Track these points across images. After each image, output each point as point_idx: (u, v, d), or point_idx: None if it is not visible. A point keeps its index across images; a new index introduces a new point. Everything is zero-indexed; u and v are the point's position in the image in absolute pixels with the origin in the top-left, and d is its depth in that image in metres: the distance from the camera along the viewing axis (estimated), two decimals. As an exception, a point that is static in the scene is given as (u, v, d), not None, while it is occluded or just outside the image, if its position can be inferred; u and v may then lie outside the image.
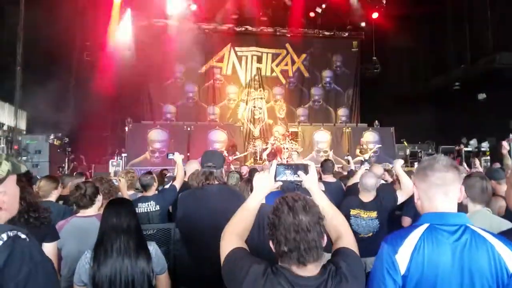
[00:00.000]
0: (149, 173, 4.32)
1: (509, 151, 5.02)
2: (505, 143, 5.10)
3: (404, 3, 13.28)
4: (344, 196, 4.55)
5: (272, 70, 16.44)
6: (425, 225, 1.57)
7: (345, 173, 7.24)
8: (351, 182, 5.03)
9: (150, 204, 3.97)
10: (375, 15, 15.28)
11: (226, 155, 11.05)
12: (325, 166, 5.24)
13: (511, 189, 2.13)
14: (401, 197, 3.82)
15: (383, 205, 3.83)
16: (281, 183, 1.81)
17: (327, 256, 1.53)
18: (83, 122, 10.15)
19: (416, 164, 11.08)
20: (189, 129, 12.75)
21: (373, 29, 15.54)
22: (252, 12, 14.64)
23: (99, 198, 3.05)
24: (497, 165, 6.25)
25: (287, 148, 12.12)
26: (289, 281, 1.35)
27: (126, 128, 12.55)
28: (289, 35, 15.90)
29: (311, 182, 1.72)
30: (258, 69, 16.23)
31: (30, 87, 9.32)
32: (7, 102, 9.79)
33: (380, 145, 12.61)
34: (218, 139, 13.28)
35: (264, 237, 1.52)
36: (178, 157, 4.31)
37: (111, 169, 10.52)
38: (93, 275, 2.25)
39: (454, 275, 1.48)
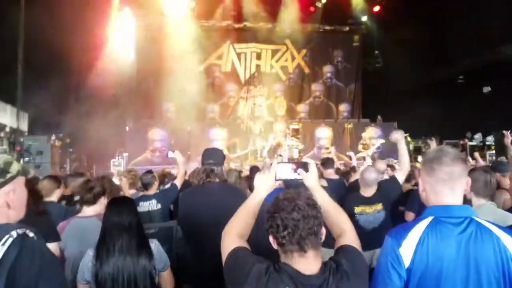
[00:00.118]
0: (150, 172, 4.32)
1: None
2: (507, 133, 5.10)
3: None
4: (347, 192, 4.54)
5: (272, 67, 16.37)
6: (430, 218, 1.56)
7: (347, 169, 7.21)
8: (353, 178, 5.04)
9: (152, 203, 3.98)
10: (376, 8, 15.17)
11: (227, 153, 11.03)
12: (326, 163, 5.23)
13: None
14: (400, 177, 3.79)
15: (387, 196, 3.84)
16: (281, 182, 1.79)
17: (330, 252, 1.54)
18: (84, 122, 10.15)
19: (419, 158, 11.04)
20: (189, 127, 12.73)
21: (374, 23, 15.44)
22: (251, 7, 14.56)
23: (103, 200, 3.02)
24: (503, 159, 6.22)
25: (287, 146, 12.08)
26: (291, 278, 1.35)
27: (127, 128, 12.54)
28: (288, 31, 15.81)
29: (312, 180, 1.73)
30: (258, 65, 16.15)
31: (31, 88, 9.33)
32: (9, 103, 9.81)
33: (384, 141, 12.54)
34: (218, 137, 13.26)
35: (263, 236, 1.50)
36: (178, 155, 4.31)
37: (113, 169, 10.53)
38: (96, 273, 2.26)
39: (459, 268, 1.47)
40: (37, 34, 8.81)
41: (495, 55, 11.02)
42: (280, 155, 10.71)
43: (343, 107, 16.84)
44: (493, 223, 1.55)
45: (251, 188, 1.84)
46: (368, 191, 3.93)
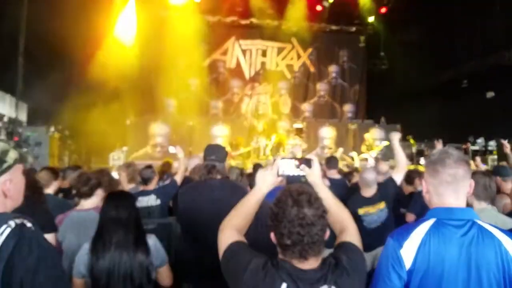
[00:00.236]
0: (150, 166, 4.29)
1: None
2: (505, 142, 5.16)
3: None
4: (348, 193, 4.56)
5: (277, 64, 16.31)
6: (432, 220, 1.57)
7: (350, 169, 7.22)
8: (356, 179, 5.05)
9: (151, 198, 3.99)
10: (383, 9, 15.11)
11: (230, 150, 10.96)
12: (330, 162, 5.20)
13: None
14: (398, 176, 3.82)
15: (386, 193, 3.87)
16: (284, 178, 1.76)
17: (328, 252, 1.52)
18: (84, 115, 10.11)
19: (422, 160, 10.99)
20: (191, 123, 12.66)
21: (381, 24, 15.37)
22: (258, 4, 14.48)
23: (99, 192, 3.02)
24: (505, 164, 6.20)
25: (291, 144, 12.02)
26: (289, 274, 1.35)
27: (128, 122, 12.49)
28: (295, 29, 15.71)
29: (315, 176, 1.73)
30: (263, 63, 16.09)
31: (31, 79, 9.31)
32: (8, 93, 9.77)
33: (388, 143, 12.46)
34: (221, 133, 13.20)
35: (261, 232, 1.47)
36: (179, 151, 4.29)
37: (112, 163, 10.49)
38: (92, 268, 2.25)
39: (461, 270, 1.47)
40: (39, 26, 8.79)
41: (499, 60, 10.97)
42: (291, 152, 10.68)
43: (347, 108, 16.80)
44: (495, 226, 1.56)
45: (252, 186, 1.79)
46: (368, 191, 3.96)
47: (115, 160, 10.74)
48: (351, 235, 1.59)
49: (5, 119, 9.43)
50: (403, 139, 13.66)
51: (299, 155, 11.32)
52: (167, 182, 4.31)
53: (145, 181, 4.11)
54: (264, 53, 16.17)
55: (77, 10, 10.02)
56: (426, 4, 12.85)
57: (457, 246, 1.48)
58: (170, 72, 12.99)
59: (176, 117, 13.40)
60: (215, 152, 2.85)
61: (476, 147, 11.86)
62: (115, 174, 4.70)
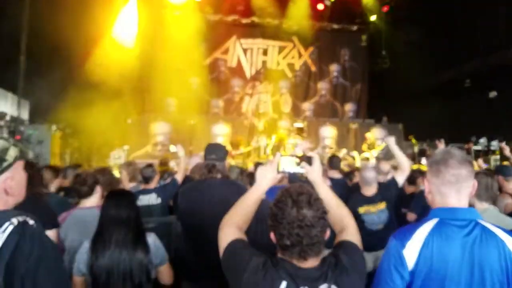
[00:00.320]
0: (151, 165, 4.30)
1: None
2: (504, 145, 5.18)
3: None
4: (349, 192, 4.53)
5: (278, 63, 16.27)
6: (435, 220, 1.56)
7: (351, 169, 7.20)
8: (356, 179, 5.06)
9: (151, 197, 4.00)
10: (384, 8, 15.06)
11: (230, 149, 10.95)
12: (332, 162, 5.18)
13: None
14: (400, 178, 3.83)
15: (387, 194, 3.86)
16: (283, 175, 1.76)
17: (328, 252, 1.53)
18: (86, 113, 10.12)
19: (423, 160, 10.96)
20: (192, 122, 12.66)
21: (382, 23, 15.33)
22: (259, 2, 14.45)
23: (98, 189, 3.03)
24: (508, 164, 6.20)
25: (291, 144, 11.99)
26: (289, 273, 1.35)
27: (129, 121, 12.49)
28: (296, 28, 15.68)
29: (315, 174, 1.73)
30: (264, 62, 16.07)
31: (33, 77, 9.31)
32: (10, 91, 9.78)
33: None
34: (222, 132, 13.19)
35: (262, 231, 1.45)
36: (180, 150, 4.30)
37: (113, 161, 10.50)
38: (91, 266, 2.26)
39: (464, 270, 1.47)
40: (41, 24, 8.79)
41: (502, 59, 10.93)
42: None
43: (349, 107, 16.74)
44: (499, 227, 1.55)
45: (252, 184, 1.78)
46: (369, 190, 3.95)
47: (116, 159, 10.74)
48: (351, 234, 1.59)
49: (7, 117, 9.44)
50: (405, 139, 13.65)
51: (299, 155, 11.30)
52: (168, 181, 4.32)
53: (146, 179, 4.14)
54: (265, 52, 16.12)
55: (79, 8, 10.03)
56: (428, 3, 12.82)
57: (460, 246, 1.48)
58: (171, 71, 12.97)
59: (177, 116, 13.39)
60: (215, 151, 2.86)
61: (478, 147, 11.82)
62: (116, 173, 4.71)
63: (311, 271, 1.37)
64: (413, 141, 13.03)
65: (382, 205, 3.85)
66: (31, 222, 1.35)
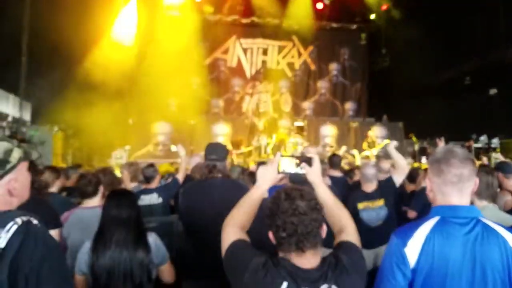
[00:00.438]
0: (152, 165, 4.30)
1: None
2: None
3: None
4: (349, 190, 4.55)
5: (278, 63, 16.27)
6: (436, 218, 1.55)
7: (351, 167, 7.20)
8: (357, 177, 5.08)
9: (153, 197, 3.99)
10: (384, 7, 15.05)
11: (231, 148, 10.97)
12: (332, 160, 5.19)
13: None
14: (398, 178, 3.91)
15: (386, 192, 3.92)
16: (284, 175, 1.78)
17: (328, 252, 1.53)
18: (87, 114, 10.14)
19: (423, 160, 10.97)
20: (192, 122, 12.68)
21: (382, 22, 15.31)
22: (259, 2, 14.45)
23: (100, 189, 3.06)
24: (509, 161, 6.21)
25: (292, 143, 12.01)
26: (290, 273, 1.36)
27: (130, 121, 12.51)
28: (296, 27, 15.68)
29: (315, 175, 1.73)
30: (264, 61, 16.07)
31: (34, 78, 9.31)
32: (12, 93, 9.79)
33: (389, 141, 12.42)
34: (222, 132, 13.21)
35: (263, 229, 1.51)
36: (181, 149, 4.31)
37: (114, 162, 10.52)
38: (92, 266, 2.26)
39: (465, 268, 1.46)
40: (41, 25, 8.78)
41: (502, 57, 10.92)
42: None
43: (349, 106, 16.74)
44: (500, 224, 1.54)
45: (253, 184, 1.80)
46: (369, 187, 3.99)
47: (118, 159, 10.77)
48: (350, 234, 1.60)
49: (9, 118, 9.47)
50: (406, 137, 13.65)
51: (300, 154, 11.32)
52: (169, 180, 4.33)
53: (147, 179, 4.13)
54: (265, 52, 16.13)
55: (79, 9, 10.04)
56: (428, 1, 12.79)
57: (461, 244, 1.47)
58: (171, 71, 12.98)
59: (178, 116, 13.40)
60: (216, 151, 2.85)
61: (479, 145, 11.81)
62: (117, 173, 4.74)
63: (311, 272, 1.38)
64: (414, 139, 13.04)
65: (381, 202, 3.89)
66: (35, 222, 1.36)
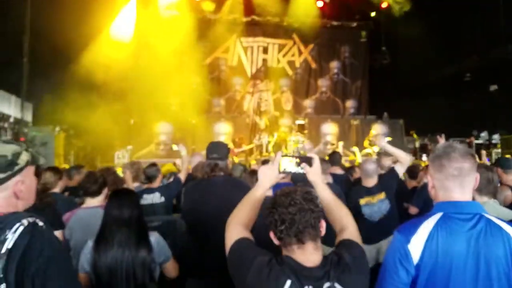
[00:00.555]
0: (154, 164, 4.31)
1: None
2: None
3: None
4: (351, 187, 4.58)
5: (279, 61, 16.26)
6: (439, 214, 1.55)
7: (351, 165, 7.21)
8: (357, 174, 5.10)
9: (155, 196, 3.99)
10: (384, 4, 15.01)
11: (232, 147, 10.99)
12: (333, 158, 5.21)
13: None
14: (400, 169, 3.97)
15: (387, 184, 3.95)
16: (285, 175, 1.80)
17: (330, 250, 1.55)
18: (89, 114, 10.17)
19: (424, 157, 10.97)
20: (193, 121, 12.69)
21: (382, 19, 15.28)
22: (259, 1, 14.44)
23: (105, 191, 3.07)
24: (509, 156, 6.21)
25: (293, 141, 12.01)
26: (293, 270, 1.37)
27: (131, 121, 12.54)
28: (296, 25, 15.66)
29: (315, 175, 1.76)
30: (264, 60, 16.06)
31: (36, 79, 9.33)
32: (13, 94, 9.82)
33: (390, 138, 12.42)
34: (223, 131, 13.22)
35: (266, 227, 1.53)
36: (182, 149, 4.33)
37: (116, 162, 10.55)
38: (94, 265, 2.27)
39: (469, 264, 1.46)
40: (43, 25, 8.80)
41: (502, 53, 10.90)
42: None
43: (350, 103, 16.69)
44: (503, 220, 1.54)
45: (255, 182, 1.82)
46: (369, 182, 4.02)
47: (120, 159, 10.80)
48: (352, 232, 1.61)
49: (11, 119, 9.50)
50: (406, 134, 13.65)
51: (301, 152, 11.34)
52: (171, 180, 4.35)
53: (150, 179, 4.14)
54: (265, 50, 16.09)
55: (80, 10, 10.05)
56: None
57: (465, 240, 1.47)
58: (172, 71, 12.98)
59: (179, 116, 13.41)
60: (217, 150, 2.86)
61: (480, 141, 11.82)
62: (120, 173, 4.75)
63: (314, 270, 1.39)
64: (415, 136, 13.04)
65: (382, 195, 3.91)
66: (41, 223, 1.38)
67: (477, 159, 5.49)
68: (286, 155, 1.78)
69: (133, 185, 4.22)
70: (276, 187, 1.79)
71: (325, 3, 15.17)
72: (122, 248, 2.28)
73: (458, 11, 12.53)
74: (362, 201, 3.92)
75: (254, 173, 4.12)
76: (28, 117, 10.35)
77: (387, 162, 5.07)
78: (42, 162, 1.59)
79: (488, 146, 11.38)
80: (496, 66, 11.40)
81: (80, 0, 10.14)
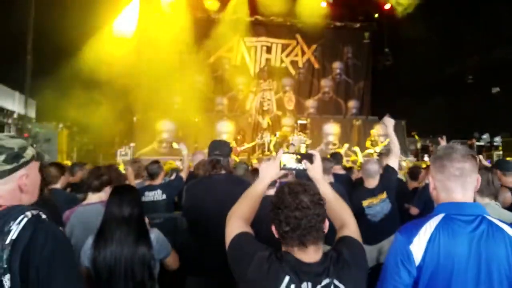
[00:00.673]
0: (156, 162, 4.33)
1: None
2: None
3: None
4: (353, 187, 4.59)
5: (282, 61, 16.27)
6: (441, 215, 1.54)
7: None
8: (355, 175, 5.12)
9: (157, 193, 4.00)
10: (387, 5, 14.99)
11: (235, 145, 11.01)
12: (334, 158, 5.21)
13: None
14: (392, 162, 3.96)
15: (387, 183, 3.95)
16: (286, 172, 1.82)
17: (328, 248, 1.54)
18: (92, 112, 10.21)
19: (426, 158, 10.96)
20: (196, 119, 12.72)
21: (385, 20, 15.27)
22: (263, 1, 14.44)
23: (107, 189, 3.03)
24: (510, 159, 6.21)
25: (295, 140, 12.03)
26: (293, 267, 1.37)
27: (134, 118, 12.57)
28: (299, 26, 15.67)
29: (316, 172, 1.76)
30: (268, 59, 16.07)
31: (39, 76, 9.38)
32: (17, 90, 9.87)
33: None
34: (226, 130, 13.24)
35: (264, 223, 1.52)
36: (183, 148, 4.35)
37: (119, 159, 10.59)
38: (94, 262, 2.28)
39: (471, 266, 1.45)
40: (46, 23, 8.85)
41: (505, 55, 10.88)
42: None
43: (352, 104, 16.70)
44: (505, 222, 1.53)
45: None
46: (371, 183, 4.03)
47: (123, 156, 10.85)
48: (351, 229, 1.62)
49: (15, 115, 9.56)
50: (408, 135, 13.63)
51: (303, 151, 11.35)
52: (173, 177, 4.37)
53: (152, 176, 4.15)
54: (268, 50, 16.11)
55: (84, 8, 10.09)
56: (430, 0, 12.76)
57: (467, 242, 1.47)
58: (176, 69, 13.00)
59: (182, 114, 13.45)
60: (219, 148, 2.86)
61: (481, 143, 11.80)
62: (122, 170, 4.78)
63: (313, 266, 1.39)
64: (416, 137, 13.03)
65: (383, 195, 3.92)
66: (44, 216, 1.39)
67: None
68: (287, 152, 1.79)
69: (135, 182, 4.25)
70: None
71: (328, 4, 15.15)
72: (121, 245, 2.27)
73: (460, 13, 12.51)
74: (365, 203, 3.93)
75: (255, 171, 4.13)
76: (32, 114, 10.40)
77: (388, 162, 5.06)
78: (47, 159, 1.60)
79: (490, 148, 11.36)
80: (498, 67, 11.37)
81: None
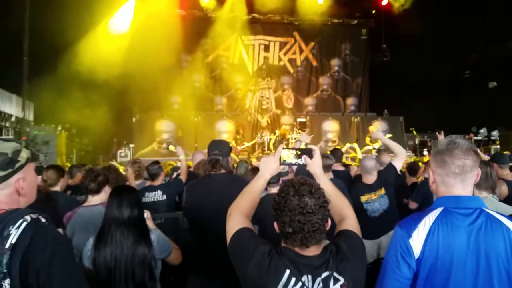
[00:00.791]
0: (157, 162, 4.32)
1: None
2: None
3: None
4: (352, 183, 4.61)
5: (280, 59, 16.27)
6: (440, 209, 1.55)
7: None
8: (352, 172, 5.14)
9: (157, 194, 4.00)
10: (384, 2, 15.00)
11: (234, 145, 11.01)
12: (334, 155, 5.22)
13: None
14: (398, 163, 3.97)
15: (386, 179, 3.97)
16: (286, 167, 1.82)
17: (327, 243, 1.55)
18: (91, 113, 10.20)
19: (425, 152, 10.98)
20: (196, 119, 12.71)
21: (382, 17, 15.27)
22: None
23: (107, 189, 3.04)
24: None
25: (294, 138, 12.04)
26: (292, 260, 1.39)
27: (134, 119, 12.57)
28: (297, 23, 15.67)
29: (316, 166, 1.77)
30: (266, 58, 16.07)
31: (37, 78, 9.36)
32: (15, 93, 9.85)
33: (391, 135, 12.46)
34: (226, 129, 13.25)
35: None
36: (180, 152, 4.36)
37: (119, 160, 10.58)
38: (94, 263, 2.28)
39: (470, 258, 1.46)
40: (42, 25, 8.83)
41: (501, 50, 10.90)
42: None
43: (351, 101, 16.74)
44: (503, 215, 1.54)
45: None
46: (369, 178, 4.05)
47: (122, 157, 10.84)
48: (351, 223, 1.63)
49: (13, 118, 9.54)
50: (406, 131, 13.65)
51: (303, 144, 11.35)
52: (173, 177, 4.37)
53: (152, 176, 4.14)
54: (266, 48, 16.12)
55: (80, 8, 10.07)
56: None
57: (465, 235, 1.47)
58: (174, 69, 13.02)
59: (181, 114, 13.45)
60: (218, 147, 2.86)
61: (479, 137, 11.82)
62: (122, 171, 4.78)
63: (313, 259, 1.40)
64: (415, 133, 13.05)
65: (382, 191, 3.94)
66: (43, 220, 1.38)
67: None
68: (287, 148, 1.80)
69: (135, 182, 4.25)
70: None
71: (326, 1, 15.14)
72: (121, 246, 2.27)
73: (458, 9, 12.53)
74: (364, 198, 3.95)
75: (256, 170, 4.13)
76: (30, 116, 10.38)
77: (387, 158, 5.06)
78: (42, 158, 1.61)
79: (487, 142, 11.39)
80: (495, 63, 11.40)
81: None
